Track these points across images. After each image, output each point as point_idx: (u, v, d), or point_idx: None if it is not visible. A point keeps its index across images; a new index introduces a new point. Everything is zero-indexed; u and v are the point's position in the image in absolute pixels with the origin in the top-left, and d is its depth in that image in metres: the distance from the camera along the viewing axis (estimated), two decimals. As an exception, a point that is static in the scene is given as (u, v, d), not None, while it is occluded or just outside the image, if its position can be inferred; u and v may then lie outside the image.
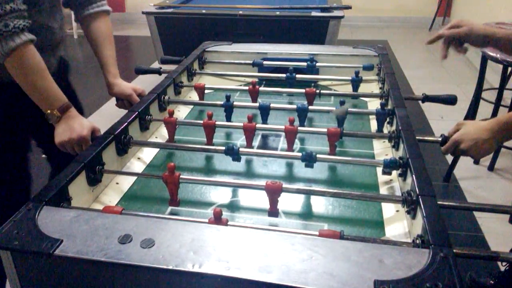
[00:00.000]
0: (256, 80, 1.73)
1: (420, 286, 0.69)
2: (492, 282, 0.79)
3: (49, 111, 1.24)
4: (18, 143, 1.46)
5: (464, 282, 0.73)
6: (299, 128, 1.36)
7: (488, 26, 1.26)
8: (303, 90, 1.68)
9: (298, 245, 0.79)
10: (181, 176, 1.07)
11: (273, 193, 1.03)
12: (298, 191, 1.09)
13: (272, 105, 1.53)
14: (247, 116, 1.37)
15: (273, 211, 1.05)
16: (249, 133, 1.37)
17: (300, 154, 1.20)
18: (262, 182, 1.04)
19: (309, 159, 1.17)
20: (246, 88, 1.79)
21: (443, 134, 1.23)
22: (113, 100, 1.60)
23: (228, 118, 1.54)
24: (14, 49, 1.16)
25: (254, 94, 1.69)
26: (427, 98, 1.55)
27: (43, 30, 1.34)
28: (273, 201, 1.04)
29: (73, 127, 1.23)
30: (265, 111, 1.52)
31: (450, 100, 1.56)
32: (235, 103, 1.55)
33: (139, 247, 0.78)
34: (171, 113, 1.41)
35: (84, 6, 1.49)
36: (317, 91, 1.67)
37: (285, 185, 1.04)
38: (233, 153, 1.21)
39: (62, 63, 1.53)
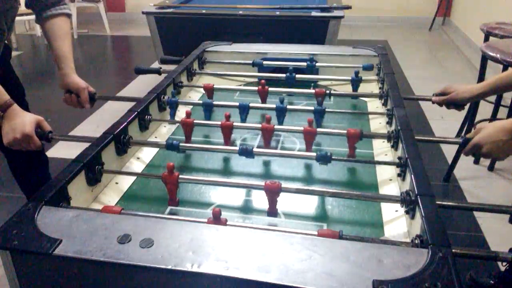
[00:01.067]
0: (264, 81, 1.72)
1: (418, 286, 0.70)
2: (492, 282, 0.79)
3: None
4: None
5: (464, 282, 0.73)
6: (318, 129, 1.35)
7: (473, 86, 1.42)
8: (306, 90, 1.68)
9: (297, 245, 0.79)
10: (180, 176, 1.07)
11: (272, 193, 1.03)
12: (297, 191, 1.09)
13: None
14: (266, 117, 1.36)
15: (272, 211, 1.05)
16: (268, 133, 1.36)
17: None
18: (261, 182, 1.04)
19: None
20: (247, 88, 1.79)
21: (464, 136, 1.21)
22: (115, 102, 1.59)
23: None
24: None
25: (263, 94, 1.69)
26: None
27: None
28: (272, 201, 1.04)
29: (15, 127, 1.21)
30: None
31: None
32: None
33: (138, 247, 0.78)
34: (189, 114, 1.41)
35: (46, 8, 1.49)
36: (327, 91, 1.67)
37: (284, 185, 1.04)
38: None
39: (4, 48, 1.52)
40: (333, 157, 1.19)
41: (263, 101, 1.69)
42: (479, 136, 1.13)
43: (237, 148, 1.23)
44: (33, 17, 1.54)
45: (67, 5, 1.55)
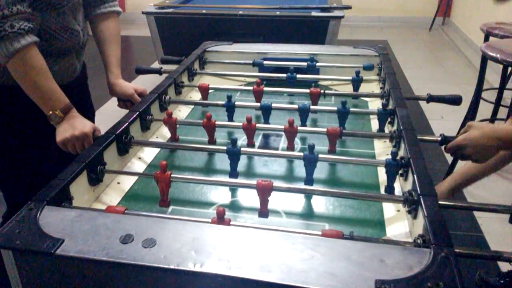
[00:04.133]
0: (259, 80, 1.73)
1: (421, 286, 0.70)
2: (502, 282, 0.78)
3: (51, 112, 1.24)
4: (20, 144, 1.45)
5: (474, 281, 0.73)
6: (300, 128, 1.36)
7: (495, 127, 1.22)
8: (307, 90, 1.68)
9: (298, 244, 0.79)
10: (172, 175, 1.07)
11: (263, 192, 1.01)
12: (289, 190, 1.09)
13: (273, 105, 1.54)
14: (246, 117, 1.36)
15: (263, 211, 1.04)
16: (250, 132, 1.38)
17: (301, 153, 1.18)
18: (254, 181, 1.03)
19: (310, 160, 1.16)
20: (248, 88, 1.78)
21: (442, 134, 1.23)
22: (114, 100, 1.60)
23: (230, 118, 1.54)
24: (18, 51, 1.16)
25: (258, 94, 1.69)
26: (431, 98, 1.54)
27: (66, 33, 1.34)
28: (264, 201, 1.03)
29: (74, 125, 1.24)
30: (267, 111, 1.51)
31: (455, 101, 1.55)
32: (236, 103, 1.55)
33: (140, 247, 0.78)
34: (170, 114, 1.41)
35: (96, 5, 1.49)
36: (322, 91, 1.67)
37: (285, 184, 1.04)
38: (234, 154, 1.20)
39: (83, 67, 1.54)
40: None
41: (258, 100, 1.68)
42: (464, 136, 1.12)
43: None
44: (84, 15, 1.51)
45: (116, 1, 1.54)
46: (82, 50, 1.47)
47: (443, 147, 1.21)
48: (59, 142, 1.24)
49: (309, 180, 1.17)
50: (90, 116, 1.60)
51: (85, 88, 1.60)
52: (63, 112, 1.25)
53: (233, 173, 1.20)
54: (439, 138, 1.23)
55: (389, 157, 1.14)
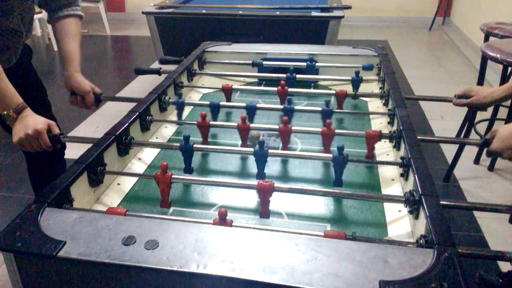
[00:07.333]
0: (283, 81, 1.70)
1: (425, 286, 0.69)
2: (501, 281, 0.78)
3: (5, 112, 1.22)
4: None
5: (473, 281, 0.73)
6: (337, 131, 1.34)
7: (494, 91, 1.40)
8: (333, 91, 1.67)
9: (302, 245, 0.79)
10: (173, 176, 1.07)
11: (265, 192, 1.01)
12: (290, 191, 1.08)
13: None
14: (283, 119, 1.35)
15: (264, 212, 1.04)
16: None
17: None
18: (255, 182, 1.03)
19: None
20: (247, 87, 1.78)
21: (485, 137, 1.20)
22: (114, 102, 1.59)
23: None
24: None
25: (283, 95, 1.67)
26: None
27: (10, 34, 1.35)
28: (265, 201, 1.02)
29: (27, 124, 1.21)
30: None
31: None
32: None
33: (143, 249, 0.78)
34: (204, 116, 1.38)
35: (58, 9, 1.50)
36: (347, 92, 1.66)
37: (285, 185, 1.03)
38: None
39: (24, 49, 1.51)
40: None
41: (283, 102, 1.67)
42: (496, 143, 1.11)
43: (251, 149, 1.21)
44: (34, 16, 1.53)
45: (79, 7, 1.55)
46: (21, 47, 1.47)
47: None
48: (16, 143, 1.22)
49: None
50: (41, 94, 1.59)
51: (28, 69, 1.58)
52: (16, 112, 1.22)
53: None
54: (481, 141, 1.21)
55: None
